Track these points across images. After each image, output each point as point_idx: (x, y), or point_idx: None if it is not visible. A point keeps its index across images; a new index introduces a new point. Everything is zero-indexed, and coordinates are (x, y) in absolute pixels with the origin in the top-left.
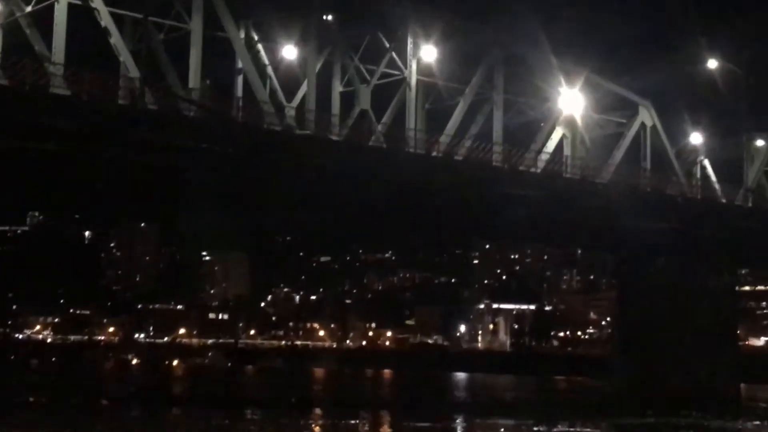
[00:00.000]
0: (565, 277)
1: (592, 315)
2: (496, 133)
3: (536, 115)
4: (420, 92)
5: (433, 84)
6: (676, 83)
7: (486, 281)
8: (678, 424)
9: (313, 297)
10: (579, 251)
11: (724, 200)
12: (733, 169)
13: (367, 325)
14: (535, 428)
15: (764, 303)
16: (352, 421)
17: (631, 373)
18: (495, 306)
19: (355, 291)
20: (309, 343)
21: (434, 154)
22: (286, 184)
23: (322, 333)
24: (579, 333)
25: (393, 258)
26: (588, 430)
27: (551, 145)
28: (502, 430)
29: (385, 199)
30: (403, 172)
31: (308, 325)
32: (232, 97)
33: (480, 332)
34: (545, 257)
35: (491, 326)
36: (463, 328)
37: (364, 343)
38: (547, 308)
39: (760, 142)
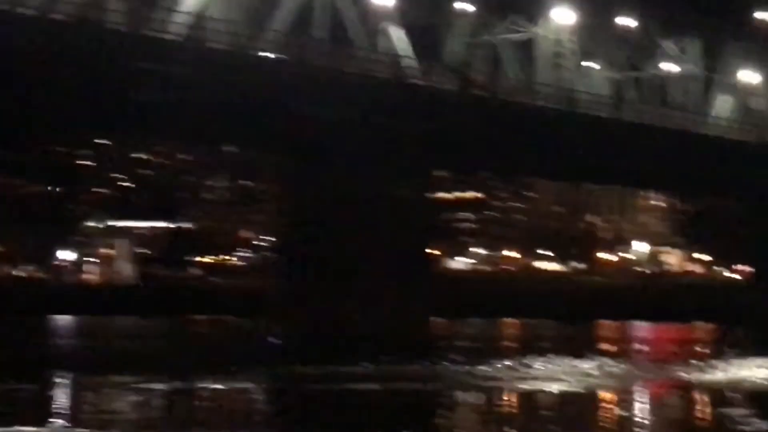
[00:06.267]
0: (211, 184)
1: (246, 233)
2: None
3: None
4: None
5: None
6: None
7: (101, 191)
8: (354, 373)
9: None
10: (231, 150)
11: (419, 82)
12: (430, 42)
13: None
14: (160, 385)
15: (465, 215)
16: None
17: (298, 308)
18: (114, 224)
19: None
20: None
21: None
22: None
23: None
24: (228, 257)
25: None
26: (236, 385)
27: (191, 3)
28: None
29: None
30: None
31: None
32: None
33: (94, 260)
34: (184, 158)
35: (110, 252)
36: (68, 255)
37: None
38: (188, 226)
39: (463, 5)
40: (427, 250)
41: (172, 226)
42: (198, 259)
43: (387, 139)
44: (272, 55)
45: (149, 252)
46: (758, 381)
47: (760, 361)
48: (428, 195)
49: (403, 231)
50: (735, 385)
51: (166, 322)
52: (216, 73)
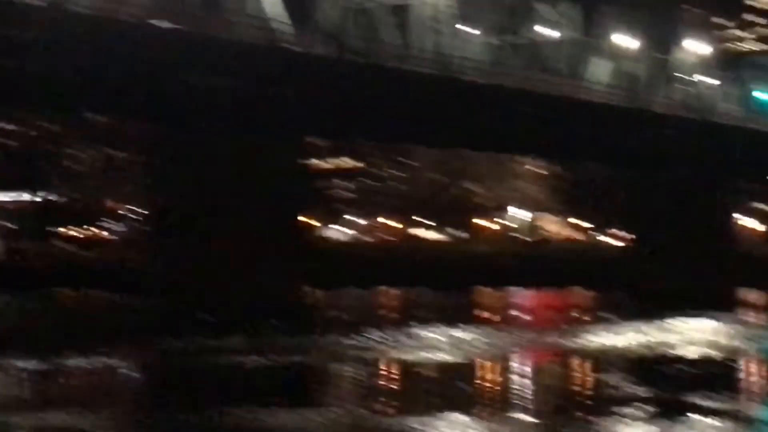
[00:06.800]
0: (77, 154)
1: (115, 204)
2: None
3: None
4: None
5: None
6: None
7: None
8: (228, 346)
9: None
10: (97, 118)
11: (293, 47)
12: (304, 6)
13: None
14: (26, 363)
15: (342, 183)
16: None
17: (169, 280)
18: None
19: None
20: None
21: None
22: None
23: None
24: (97, 230)
25: None
26: (107, 361)
27: None
28: None
29: None
30: None
31: None
32: None
33: None
34: (48, 127)
35: None
36: None
37: None
38: (55, 198)
39: None
40: (302, 219)
41: (37, 198)
42: (65, 232)
43: (259, 106)
44: (138, 20)
45: (13, 225)
46: (636, 346)
47: (638, 326)
48: (303, 163)
49: (277, 200)
50: (613, 351)
51: (33, 298)
52: (80, 38)
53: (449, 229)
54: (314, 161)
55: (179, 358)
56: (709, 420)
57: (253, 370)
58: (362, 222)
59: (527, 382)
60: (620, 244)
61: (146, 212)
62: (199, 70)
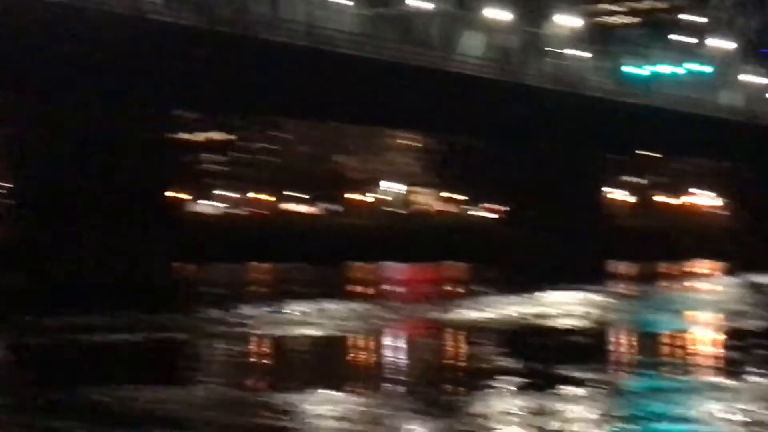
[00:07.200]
0: None
1: None
2: None
3: None
4: None
5: None
6: None
7: None
8: (93, 323)
9: None
10: None
11: (159, 17)
12: None
13: None
14: None
15: (212, 157)
16: None
17: (32, 256)
18: None
19: None
20: None
21: None
22: None
23: None
24: None
25: None
26: None
27: None
28: None
29: None
30: None
31: None
32: None
33: None
34: None
35: None
36: None
37: None
38: None
39: None
40: (170, 194)
41: None
42: None
43: (126, 77)
44: None
45: None
46: (508, 319)
47: (511, 298)
48: (170, 136)
49: (143, 174)
50: (486, 324)
51: None
52: None
53: (322, 203)
54: (183, 134)
55: (45, 336)
56: (580, 391)
57: (121, 347)
58: (233, 196)
59: (400, 356)
60: (493, 217)
61: (8, 186)
62: (65, 41)
